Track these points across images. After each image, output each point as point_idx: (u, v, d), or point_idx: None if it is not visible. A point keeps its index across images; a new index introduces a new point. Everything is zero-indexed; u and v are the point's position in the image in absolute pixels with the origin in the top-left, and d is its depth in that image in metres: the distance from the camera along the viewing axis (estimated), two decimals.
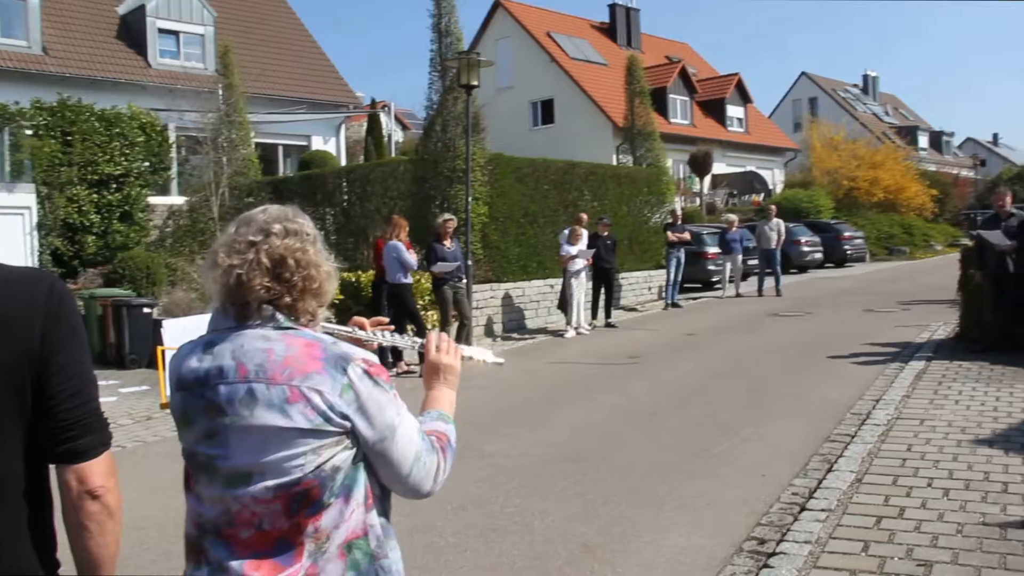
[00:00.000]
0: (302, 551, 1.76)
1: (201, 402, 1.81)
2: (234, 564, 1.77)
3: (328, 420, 1.75)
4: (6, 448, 1.69)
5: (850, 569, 4.28)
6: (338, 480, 1.78)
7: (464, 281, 12.52)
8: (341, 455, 1.78)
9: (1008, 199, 10.47)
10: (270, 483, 1.74)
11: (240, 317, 1.83)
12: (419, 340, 2.20)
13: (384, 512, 1.89)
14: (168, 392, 1.94)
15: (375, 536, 1.84)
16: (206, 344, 1.85)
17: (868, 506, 5.19)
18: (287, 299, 1.83)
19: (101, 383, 10.67)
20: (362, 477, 1.83)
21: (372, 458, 1.83)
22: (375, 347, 2.14)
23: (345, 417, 1.77)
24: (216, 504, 1.80)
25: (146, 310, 12.38)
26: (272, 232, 1.84)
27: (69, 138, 15.76)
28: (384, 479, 1.87)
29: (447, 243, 12.09)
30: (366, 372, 1.80)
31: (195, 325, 3.24)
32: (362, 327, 2.14)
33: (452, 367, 2.13)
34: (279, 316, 1.83)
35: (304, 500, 1.76)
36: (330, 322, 2.05)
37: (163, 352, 2.53)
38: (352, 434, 1.79)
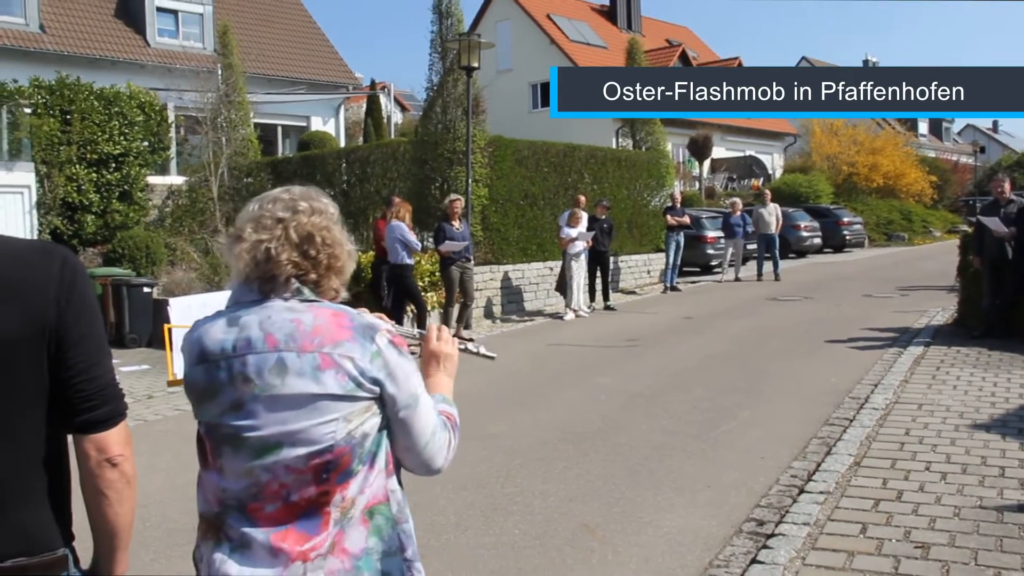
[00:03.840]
0: (328, 520, 1.79)
1: (227, 373, 1.82)
2: (259, 537, 1.78)
3: (359, 386, 1.79)
4: (25, 419, 1.71)
5: (848, 551, 4.31)
6: (366, 447, 1.82)
7: (471, 262, 12.54)
8: (370, 421, 1.82)
9: (1007, 186, 10.47)
10: (301, 451, 1.77)
11: (264, 291, 1.85)
12: (422, 331, 2.25)
13: (400, 479, 1.93)
14: (183, 368, 1.95)
15: (396, 501, 1.88)
16: (230, 317, 1.87)
17: (866, 489, 5.22)
18: (312, 276, 1.87)
19: None
20: (385, 443, 1.87)
21: (394, 426, 1.87)
22: None
23: (376, 382, 1.81)
24: (242, 477, 1.81)
25: (146, 289, 12.40)
26: (299, 210, 1.88)
27: (68, 117, 15.71)
28: (400, 450, 1.90)
29: (455, 223, 12.11)
30: (391, 342, 1.85)
31: (200, 304, 3.25)
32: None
33: (451, 356, 2.18)
34: (304, 290, 1.86)
35: (335, 468, 1.78)
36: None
37: (169, 330, 2.54)
38: (380, 400, 1.83)
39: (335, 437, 1.77)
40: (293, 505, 1.79)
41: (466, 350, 2.30)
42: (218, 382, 1.84)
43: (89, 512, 1.81)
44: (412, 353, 1.99)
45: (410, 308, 11.52)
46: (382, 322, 1.91)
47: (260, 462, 1.79)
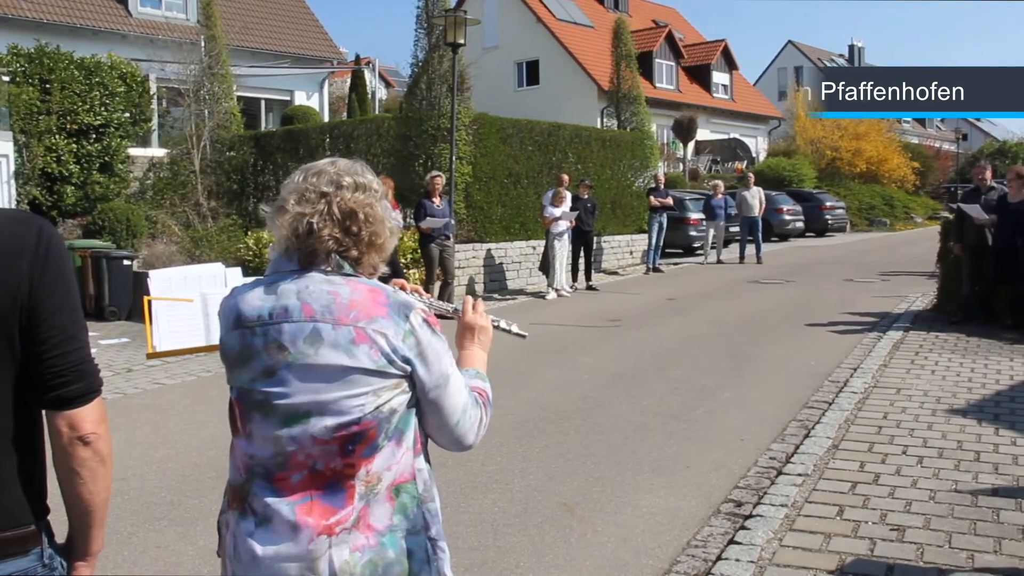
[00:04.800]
0: (353, 493, 1.80)
1: (262, 340, 1.83)
2: (284, 509, 1.79)
3: (391, 362, 1.80)
4: None
5: (825, 532, 4.35)
6: (393, 423, 1.83)
7: (451, 239, 12.50)
8: (398, 398, 1.83)
9: (988, 173, 10.55)
10: (329, 422, 1.78)
11: (305, 263, 1.86)
12: (456, 307, 2.27)
13: (427, 458, 1.94)
14: (220, 332, 1.94)
15: (422, 480, 1.89)
16: (269, 284, 1.88)
17: (844, 472, 5.27)
18: (354, 252, 1.87)
19: None
20: (413, 422, 1.88)
21: (425, 406, 1.89)
22: None
23: (407, 361, 1.82)
24: (269, 444, 1.82)
25: (126, 262, 12.30)
26: (343, 185, 1.88)
27: (47, 86, 15.45)
28: (431, 428, 1.92)
29: (436, 200, 12.05)
30: (425, 321, 1.87)
31: (181, 276, 3.21)
32: (403, 288, 2.17)
33: (486, 328, 2.21)
34: (345, 265, 1.86)
35: (361, 440, 1.79)
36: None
37: (149, 303, 2.51)
38: (410, 379, 1.85)
39: (364, 410, 1.78)
40: (319, 474, 1.80)
41: (498, 327, 2.30)
42: (252, 348, 1.84)
43: (62, 490, 1.77)
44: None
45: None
46: (417, 300, 1.92)
47: (288, 431, 1.80)
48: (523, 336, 2.44)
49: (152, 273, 3.18)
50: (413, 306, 1.86)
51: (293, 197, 1.87)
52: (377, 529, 1.80)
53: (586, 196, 14.87)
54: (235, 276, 3.37)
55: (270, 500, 1.80)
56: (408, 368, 1.83)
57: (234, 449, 1.91)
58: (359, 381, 1.78)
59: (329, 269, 1.85)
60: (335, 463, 1.79)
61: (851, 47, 63.14)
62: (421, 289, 2.23)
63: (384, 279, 1.97)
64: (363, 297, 1.82)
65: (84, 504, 1.77)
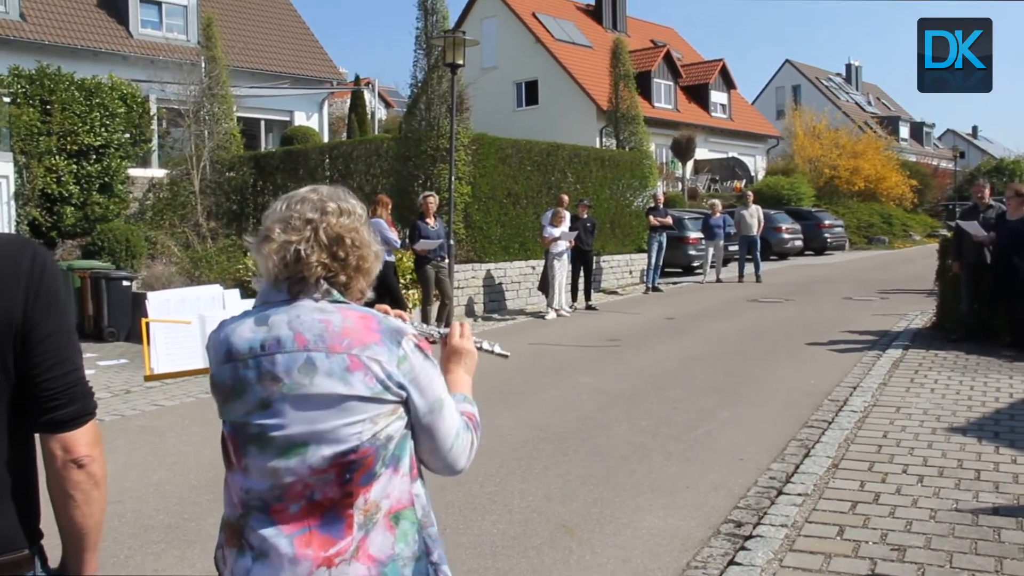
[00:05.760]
0: (351, 523, 1.78)
1: (255, 372, 1.82)
2: (282, 543, 1.77)
3: (387, 389, 1.80)
4: None
5: (825, 553, 4.33)
6: (390, 449, 1.82)
7: (446, 260, 12.50)
8: (395, 424, 1.83)
9: (987, 191, 10.58)
10: (326, 451, 1.77)
11: (294, 292, 1.86)
12: (442, 331, 2.27)
13: (424, 482, 1.94)
14: (211, 367, 1.93)
15: (421, 506, 1.88)
16: (258, 316, 1.87)
17: (844, 491, 5.25)
18: (342, 277, 1.87)
19: None
20: (409, 447, 1.88)
21: (419, 431, 1.88)
22: None
23: (402, 387, 1.82)
24: (267, 477, 1.81)
25: (125, 283, 12.31)
26: (328, 211, 1.88)
27: (48, 107, 15.51)
28: (424, 453, 1.91)
29: (430, 221, 12.06)
30: (417, 346, 1.86)
31: (179, 298, 3.21)
32: (386, 313, 2.17)
33: (472, 353, 2.20)
34: (334, 291, 1.86)
35: (359, 468, 1.78)
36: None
37: (147, 324, 2.51)
38: (405, 405, 1.84)
39: (361, 438, 1.78)
40: (316, 504, 1.79)
41: (481, 348, 2.30)
42: (246, 381, 1.83)
43: (56, 513, 1.77)
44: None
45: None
46: (408, 325, 1.91)
47: (285, 462, 1.79)
48: (505, 356, 2.43)
49: (150, 295, 3.19)
50: (405, 332, 1.85)
51: (279, 226, 1.86)
52: (378, 559, 1.79)
53: (585, 216, 14.91)
54: (233, 298, 3.37)
55: (267, 533, 1.78)
56: (403, 394, 1.82)
57: (228, 484, 1.89)
58: (355, 409, 1.78)
59: (319, 296, 1.85)
60: (333, 492, 1.78)
61: (848, 66, 63.45)
62: (405, 315, 2.22)
63: (369, 304, 1.97)
64: (355, 324, 1.82)
65: (78, 527, 1.77)
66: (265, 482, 1.81)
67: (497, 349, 2.41)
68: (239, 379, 1.84)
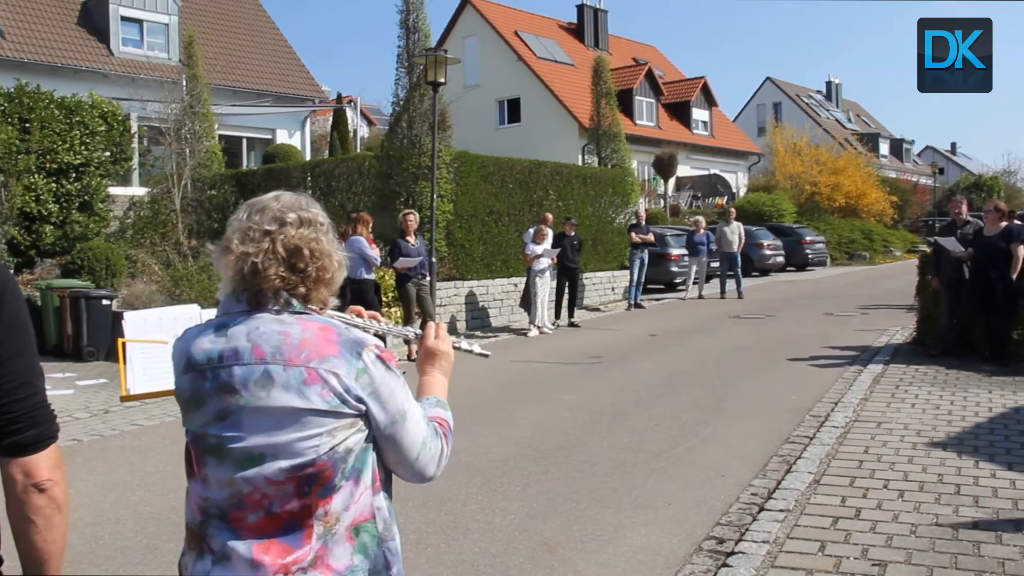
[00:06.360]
0: (311, 533, 1.77)
1: (213, 384, 1.81)
2: (241, 548, 1.76)
3: (344, 402, 1.78)
4: None
5: (807, 568, 4.33)
6: (350, 462, 1.81)
7: (427, 278, 12.48)
8: (354, 437, 1.81)
9: (964, 207, 10.68)
10: (284, 464, 1.76)
11: (253, 303, 1.84)
12: (418, 331, 2.25)
13: (389, 495, 1.92)
14: (173, 376, 1.92)
15: (382, 519, 1.87)
16: (218, 327, 1.86)
17: (825, 507, 5.26)
18: (301, 289, 1.85)
19: (58, 375, 10.30)
20: (371, 460, 1.86)
21: (381, 442, 1.86)
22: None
23: (360, 400, 1.80)
24: (225, 487, 1.79)
25: (105, 302, 12.21)
26: (287, 221, 1.86)
27: (27, 125, 15.41)
28: (391, 463, 1.90)
29: (410, 239, 12.04)
30: (379, 357, 1.84)
31: (157, 318, 3.19)
32: (359, 315, 2.15)
33: (448, 354, 2.18)
34: (294, 302, 1.84)
35: (316, 481, 1.77)
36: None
37: (123, 344, 2.48)
38: (365, 417, 1.82)
39: (318, 451, 1.76)
40: (275, 517, 1.77)
41: (459, 348, 2.29)
42: (204, 391, 1.82)
43: (16, 539, 1.73)
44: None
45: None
46: (370, 337, 1.89)
47: (243, 473, 1.77)
48: (486, 356, 2.42)
49: (127, 315, 3.16)
50: (366, 343, 1.83)
51: (237, 236, 1.85)
52: (337, 570, 1.78)
53: (572, 233, 14.95)
54: (211, 317, 3.35)
55: (228, 540, 1.77)
56: (362, 407, 1.80)
57: (189, 492, 1.88)
58: (312, 422, 1.76)
59: (278, 308, 1.83)
60: (291, 504, 1.77)
61: (828, 83, 64.07)
62: (379, 315, 2.20)
63: (339, 309, 1.96)
64: (314, 336, 1.80)
65: (39, 553, 1.74)
66: (223, 492, 1.80)
67: (476, 349, 2.39)
68: (197, 390, 1.83)
